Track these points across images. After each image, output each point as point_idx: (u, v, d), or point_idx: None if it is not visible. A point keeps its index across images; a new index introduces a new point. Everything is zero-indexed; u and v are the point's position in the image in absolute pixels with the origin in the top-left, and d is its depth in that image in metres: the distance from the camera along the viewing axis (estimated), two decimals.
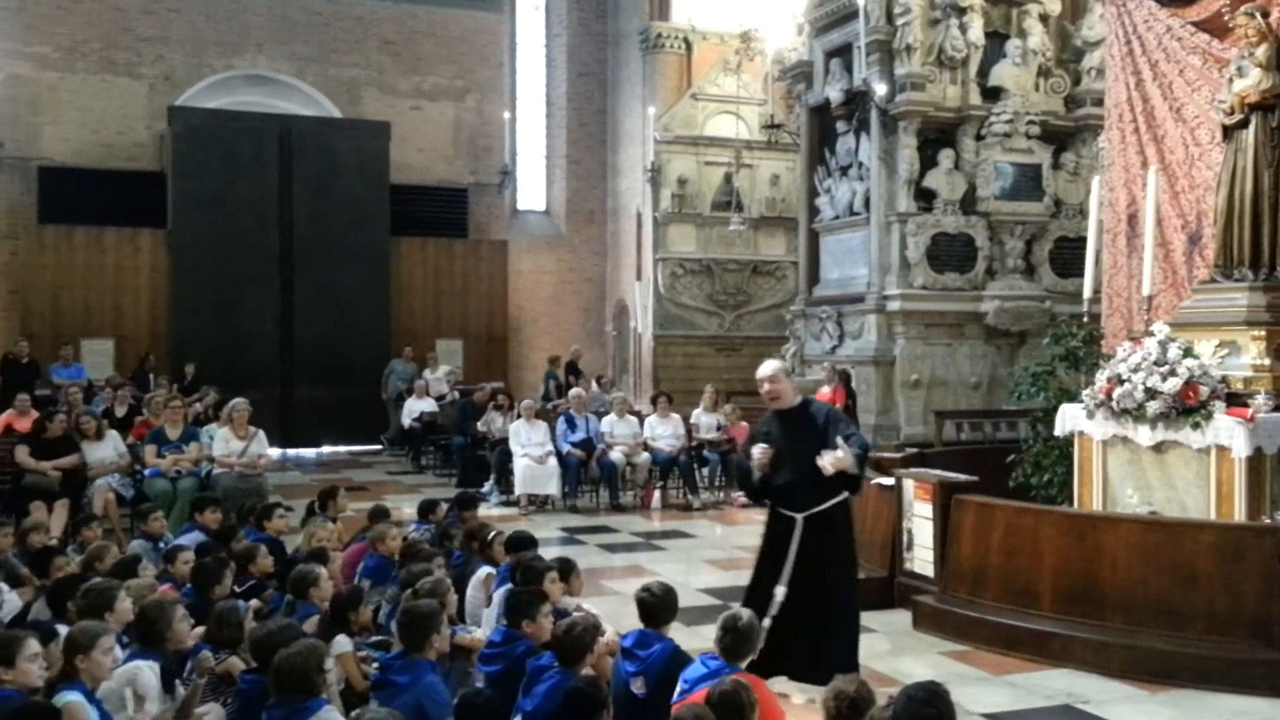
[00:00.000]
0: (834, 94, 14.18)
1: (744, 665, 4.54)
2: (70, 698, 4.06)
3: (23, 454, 9.91)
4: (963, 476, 7.67)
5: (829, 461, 5.57)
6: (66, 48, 18.44)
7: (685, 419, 12.97)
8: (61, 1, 18.37)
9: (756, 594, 5.84)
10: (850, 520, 5.95)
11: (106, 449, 10.14)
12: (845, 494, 5.83)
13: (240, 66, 19.56)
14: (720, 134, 18.94)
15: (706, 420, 13.01)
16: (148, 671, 4.62)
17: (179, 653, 4.93)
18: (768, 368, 5.97)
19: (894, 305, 13.27)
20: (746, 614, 4.61)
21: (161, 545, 7.34)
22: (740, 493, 12.49)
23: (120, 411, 11.89)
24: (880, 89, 13.26)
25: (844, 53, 14.18)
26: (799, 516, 5.71)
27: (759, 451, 5.77)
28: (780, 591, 5.66)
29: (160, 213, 17.69)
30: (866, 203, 13.76)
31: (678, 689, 4.56)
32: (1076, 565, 6.67)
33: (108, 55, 18.68)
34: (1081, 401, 7.71)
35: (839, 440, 5.65)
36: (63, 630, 4.71)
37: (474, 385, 16.12)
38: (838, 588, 5.77)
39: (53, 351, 15.86)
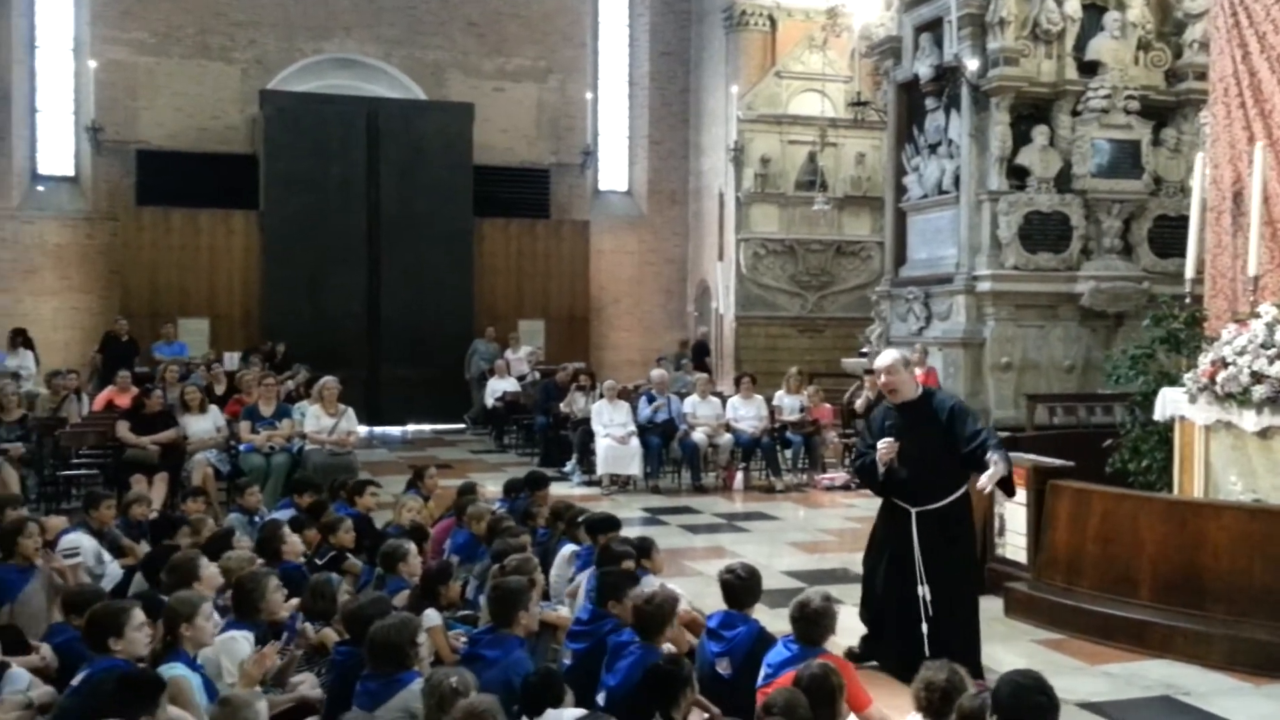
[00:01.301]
0: (923, 70, 13.89)
1: (824, 647, 4.50)
2: (176, 670, 4.16)
3: (123, 429, 10.21)
4: (1058, 461, 7.50)
5: (986, 480, 5.40)
6: (162, 33, 18.89)
7: (768, 400, 12.87)
8: None
9: (887, 590, 5.73)
10: (970, 514, 5.85)
11: (206, 423, 10.40)
12: (963, 490, 5.70)
13: (329, 50, 19.85)
14: (805, 112, 18.70)
15: (789, 402, 12.91)
16: (242, 641, 4.72)
17: (274, 623, 5.04)
18: (886, 358, 5.77)
19: (984, 286, 12.98)
20: (818, 597, 4.57)
21: (257, 519, 7.51)
22: (824, 475, 12.46)
23: (219, 389, 12.15)
24: (972, 64, 12.94)
25: (934, 27, 13.86)
26: (914, 511, 5.59)
27: (885, 447, 5.58)
28: (924, 591, 5.54)
29: (253, 194, 18.08)
30: (956, 181, 13.45)
31: (762, 673, 4.55)
32: (1177, 554, 6.48)
33: (202, 40, 19.09)
34: (1183, 385, 7.46)
35: (991, 458, 5.40)
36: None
37: (555, 365, 16.19)
38: (959, 582, 5.64)
39: (151, 330, 16.31)
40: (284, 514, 7.48)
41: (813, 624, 4.51)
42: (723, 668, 4.80)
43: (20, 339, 14.61)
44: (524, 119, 20.64)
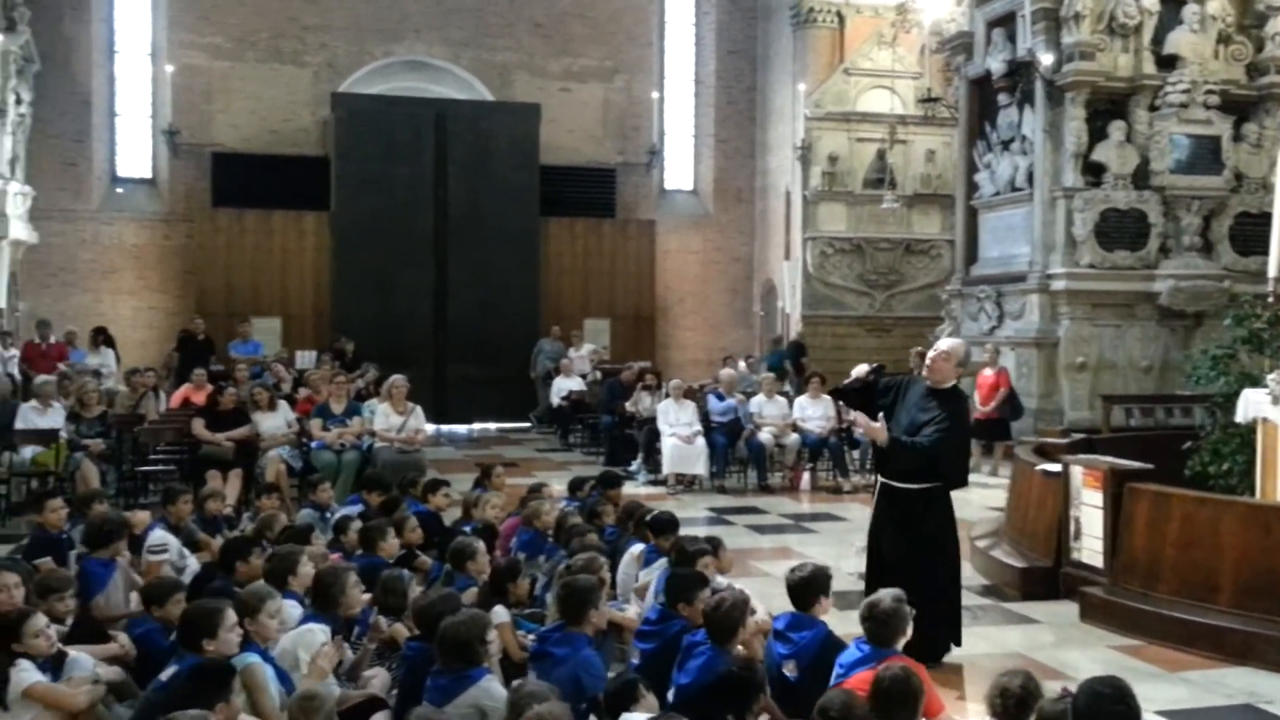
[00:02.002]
0: (995, 65, 13.70)
1: (899, 648, 4.44)
2: (249, 659, 4.23)
3: (199, 426, 10.41)
4: (1136, 464, 7.32)
5: (862, 424, 5.88)
6: (237, 38, 19.27)
7: (790, 400, 12.76)
8: None
9: (878, 568, 5.99)
10: (943, 510, 5.96)
11: (278, 421, 10.58)
12: (935, 484, 5.87)
13: (398, 52, 20.09)
14: (873, 109, 18.52)
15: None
16: (319, 633, 4.78)
17: (349, 618, 5.10)
18: (950, 343, 6.01)
19: (1059, 285, 12.77)
20: (889, 597, 4.51)
21: (328, 515, 7.61)
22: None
23: (288, 387, 12.36)
24: (1046, 59, 12.73)
25: (1007, 22, 13.67)
26: (881, 481, 6.01)
27: (861, 370, 6.08)
28: (859, 541, 6.00)
29: (324, 196, 18.35)
30: (1030, 178, 13.26)
31: (834, 674, 4.49)
32: (1261, 559, 6.29)
33: (275, 44, 19.44)
34: (1266, 387, 7.25)
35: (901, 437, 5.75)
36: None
37: (618, 364, 16.21)
38: (911, 566, 5.76)
39: (226, 329, 16.63)
40: (353, 509, 7.57)
41: (884, 624, 4.44)
42: (789, 670, 4.76)
43: (101, 337, 14.98)
44: (590, 119, 20.71)
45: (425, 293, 18.22)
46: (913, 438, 5.73)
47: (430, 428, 13.09)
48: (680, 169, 22.18)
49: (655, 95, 21.11)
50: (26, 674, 4.21)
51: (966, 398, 6.53)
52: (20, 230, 16.83)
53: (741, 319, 21.72)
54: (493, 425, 17.83)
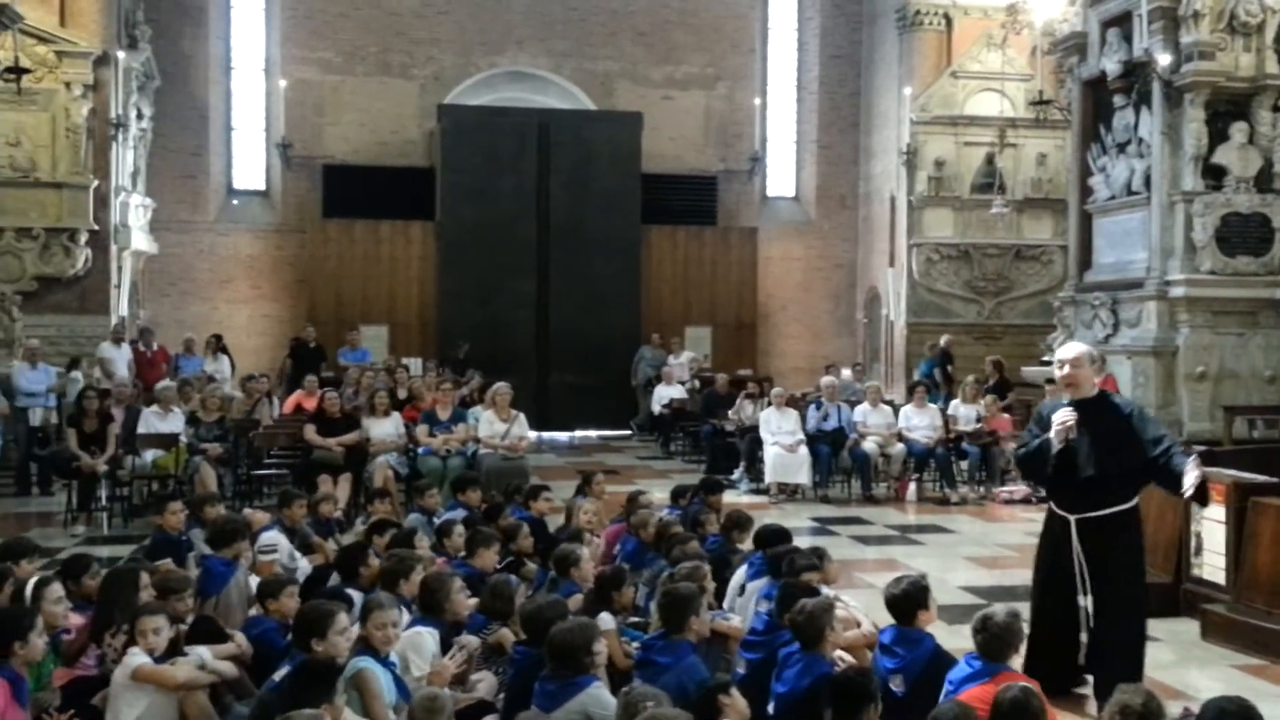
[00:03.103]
0: (1110, 66, 13.29)
1: (1010, 664, 4.35)
2: (362, 664, 4.30)
3: (310, 431, 10.69)
4: (1260, 477, 7.02)
5: (1190, 484, 5.04)
6: (347, 52, 19.76)
7: (942, 410, 12.50)
8: (343, 9, 19.69)
9: (1047, 602, 5.48)
10: (1139, 528, 5.52)
11: (388, 427, 10.79)
12: (1133, 502, 5.36)
13: (502, 64, 20.37)
14: (982, 112, 18.13)
15: (965, 411, 12.50)
16: (428, 637, 4.87)
17: (456, 622, 5.16)
18: (1072, 349, 5.49)
19: (1177, 291, 12.30)
20: (1003, 612, 4.40)
21: (434, 520, 7.71)
22: (1004, 488, 12.00)
23: (401, 394, 12.57)
24: (1164, 59, 12.29)
25: (1122, 21, 13.24)
26: (1073, 519, 5.31)
27: (1063, 416, 5.25)
28: (1086, 602, 5.26)
29: (429, 206, 18.69)
30: (1147, 181, 12.81)
31: (944, 690, 4.41)
32: None
33: (384, 58, 19.88)
34: None
35: (1184, 465, 5.09)
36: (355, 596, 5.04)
37: (718, 372, 16.13)
38: (1123, 594, 5.33)
39: (335, 336, 17.03)
40: (456, 514, 7.67)
41: (996, 639, 4.34)
42: (896, 685, 4.67)
43: (217, 345, 15.46)
44: (692, 126, 20.70)
45: (528, 301, 18.40)
46: (1167, 453, 5.23)
47: (532, 435, 13.20)
48: (782, 176, 22.02)
49: (757, 101, 21.00)
50: (136, 658, 4.37)
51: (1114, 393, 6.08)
52: (141, 241, 17.50)
53: (844, 326, 21.45)
54: (594, 432, 17.91)
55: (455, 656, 4.69)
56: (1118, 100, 13.44)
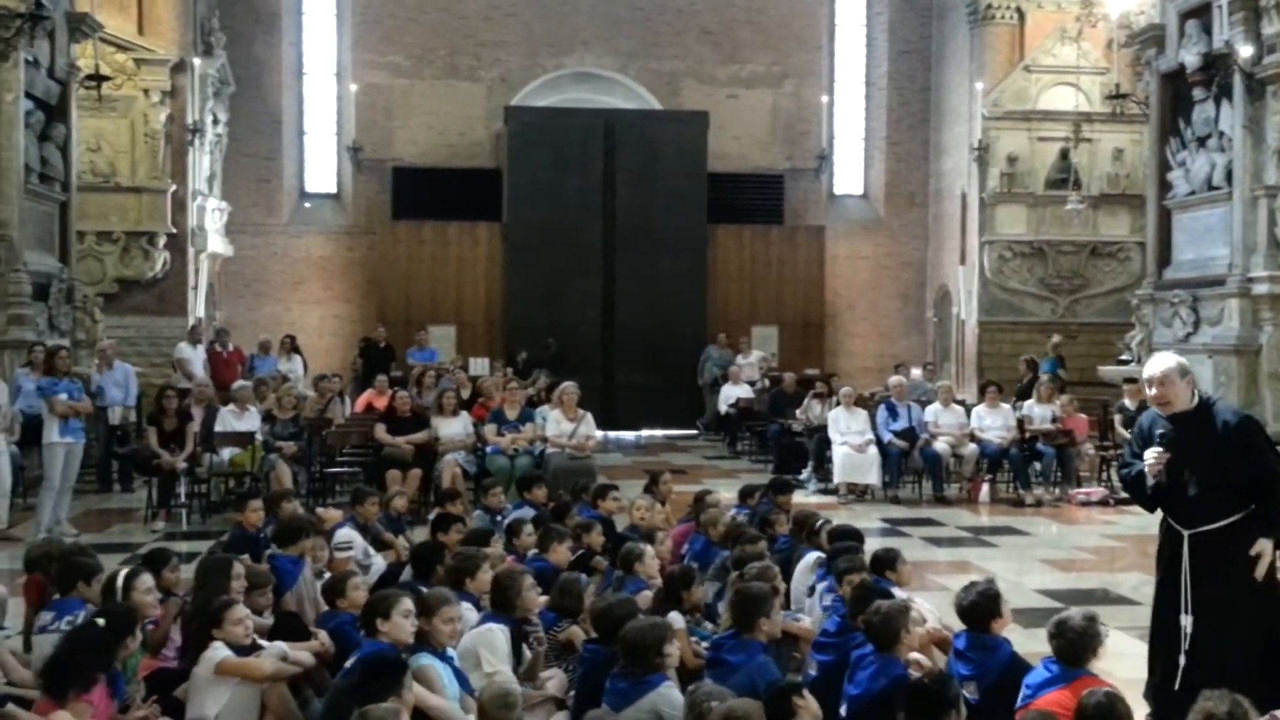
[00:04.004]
0: (1190, 58, 12.97)
1: (1090, 668, 4.24)
2: (422, 660, 4.34)
3: (381, 430, 10.81)
4: None
5: (1260, 571, 4.79)
6: (416, 56, 19.98)
7: (1015, 410, 12.28)
8: (412, 13, 19.91)
9: (1158, 620, 5.27)
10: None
11: (457, 426, 10.88)
12: (1248, 510, 4.96)
13: (569, 65, 20.44)
14: (1056, 107, 17.79)
15: (1040, 412, 12.25)
16: (499, 634, 4.89)
17: (526, 619, 5.18)
18: (1158, 365, 5.07)
19: (1261, 289, 11.95)
20: (1080, 616, 4.31)
21: (499, 519, 7.74)
22: (1080, 490, 11.75)
23: (465, 394, 12.68)
24: (1245, 51, 11.96)
25: (1201, 13, 12.91)
26: (1185, 533, 4.99)
27: (1154, 458, 5.00)
28: (1186, 621, 4.94)
29: (497, 207, 18.82)
30: (1228, 176, 12.48)
31: (1020, 694, 4.32)
32: None
33: (452, 61, 20.06)
34: None
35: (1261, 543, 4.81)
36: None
37: (785, 372, 16.03)
38: (1234, 617, 4.92)
39: (404, 336, 17.22)
40: (525, 513, 7.69)
41: (1073, 644, 4.25)
42: (970, 692, 4.57)
43: (291, 345, 15.72)
44: (758, 125, 20.59)
45: (594, 301, 18.44)
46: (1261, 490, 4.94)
47: (599, 434, 13.22)
48: (850, 173, 21.82)
49: (824, 99, 20.83)
50: (219, 651, 4.46)
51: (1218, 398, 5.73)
52: (217, 244, 17.87)
53: (914, 326, 21.19)
54: (660, 432, 17.89)
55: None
56: (1197, 93, 13.12)
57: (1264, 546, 4.82)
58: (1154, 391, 5.04)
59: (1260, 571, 4.81)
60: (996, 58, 18.35)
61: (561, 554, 6.28)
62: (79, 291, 13.06)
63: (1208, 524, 4.94)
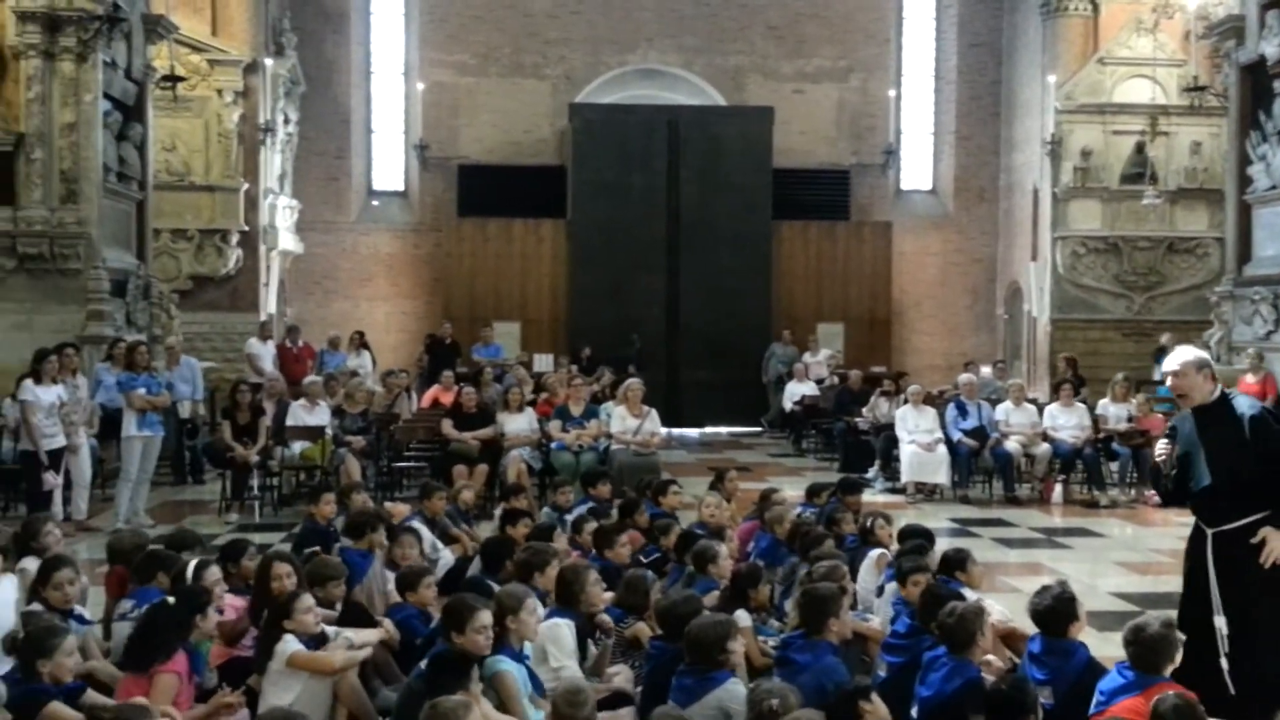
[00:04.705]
0: (1270, 50, 12.63)
1: (1167, 675, 4.12)
2: (500, 666, 4.36)
3: (447, 426, 10.89)
4: None
5: (1265, 555, 4.76)
6: (482, 54, 20.12)
7: (1090, 408, 12.02)
8: (478, 11, 20.06)
9: (1187, 621, 5.16)
10: None
11: (522, 422, 10.93)
12: (1276, 508, 4.89)
13: (633, 62, 20.46)
14: (1131, 100, 17.41)
15: (1115, 411, 11.97)
16: (564, 629, 4.92)
17: (591, 615, 5.18)
18: (1175, 359, 5.14)
19: None
20: (1157, 621, 4.20)
21: (566, 516, 7.75)
22: (1154, 491, 11.47)
23: (527, 390, 12.73)
24: None
25: None
26: (1210, 532, 4.97)
27: (1160, 446, 5.19)
28: (1220, 622, 4.85)
29: (561, 204, 18.88)
30: None
31: (1094, 700, 4.22)
32: None
33: (517, 59, 20.18)
34: None
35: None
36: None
37: (851, 369, 15.86)
38: (1263, 620, 4.83)
39: (470, 333, 17.36)
40: (582, 509, 7.70)
41: (1150, 649, 4.14)
42: (1045, 697, 4.48)
43: (360, 340, 15.92)
44: (824, 120, 20.44)
45: (658, 297, 18.43)
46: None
47: (663, 431, 13.20)
48: (918, 168, 21.57)
49: (892, 93, 20.61)
50: (290, 645, 4.54)
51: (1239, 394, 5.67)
52: (288, 241, 18.16)
53: (983, 323, 20.88)
54: (724, 429, 17.82)
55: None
56: (1278, 85, 12.75)
57: (1268, 533, 4.80)
58: (1170, 383, 5.14)
59: (1267, 557, 4.78)
60: (1070, 50, 18.00)
61: (621, 554, 6.27)
62: (155, 288, 13.33)
63: (1231, 522, 4.91)
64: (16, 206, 11.33)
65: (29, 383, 9.15)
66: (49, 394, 9.18)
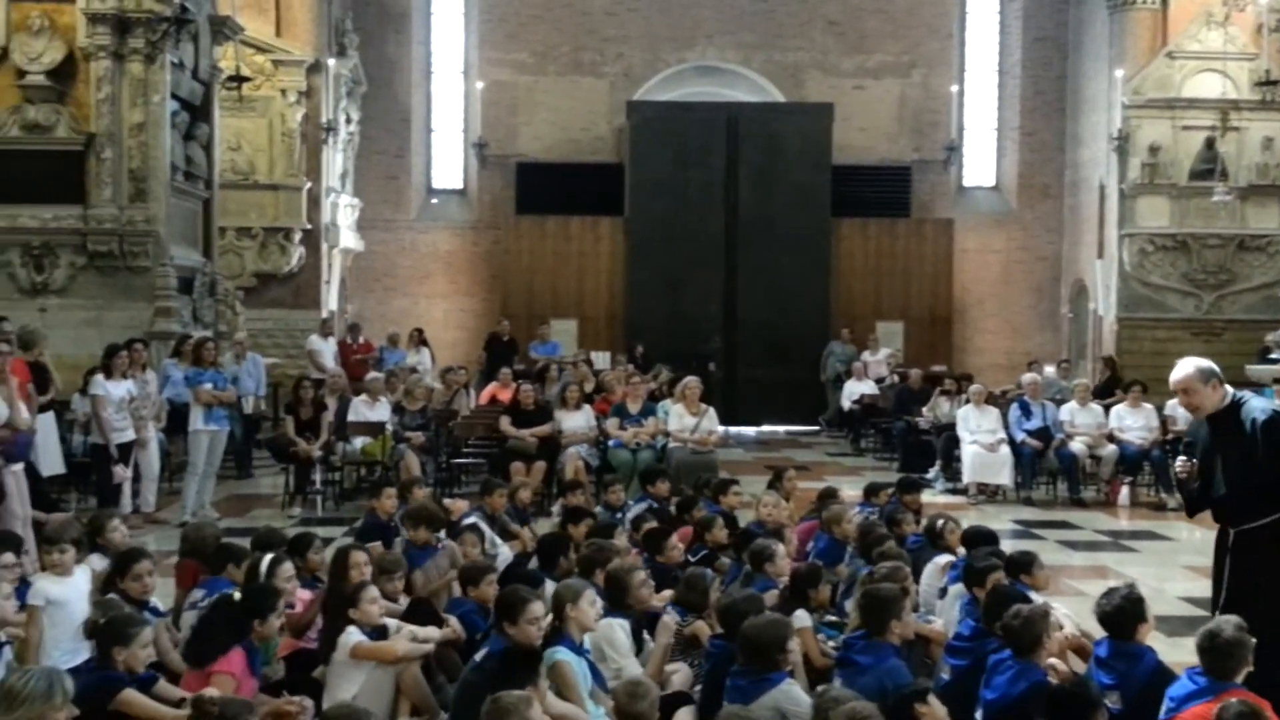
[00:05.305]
0: None
1: (1239, 682, 4.04)
2: (559, 655, 4.39)
3: (505, 423, 10.95)
4: None
5: None
6: (540, 53, 20.19)
7: (1158, 409, 11.77)
8: (537, 10, 20.13)
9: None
10: None
11: (579, 420, 10.95)
12: None
13: (691, 59, 20.40)
14: (1201, 95, 16.99)
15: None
16: (618, 629, 4.95)
17: (645, 613, 5.18)
18: (1179, 371, 5.15)
19: None
20: (1231, 626, 4.11)
21: (618, 515, 7.75)
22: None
23: (589, 387, 12.74)
24: None
25: None
26: (1232, 531, 5.04)
27: (1180, 464, 5.21)
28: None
29: (618, 201, 18.87)
30: None
31: (1164, 707, 4.16)
32: None
33: (575, 57, 20.22)
34: None
35: None
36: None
37: (911, 368, 15.67)
38: (1272, 622, 4.73)
39: (527, 330, 17.43)
40: (642, 507, 7.69)
41: (1224, 655, 4.06)
42: (1112, 701, 4.44)
43: (419, 338, 16.07)
44: (884, 116, 20.23)
45: (715, 295, 18.35)
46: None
47: (720, 429, 13.14)
48: (980, 165, 21.28)
49: (954, 89, 20.35)
50: (353, 636, 4.60)
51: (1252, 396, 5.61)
52: (349, 239, 18.38)
53: (1047, 321, 20.55)
54: (781, 427, 17.72)
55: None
56: None
57: None
58: (1181, 401, 5.26)
59: None
60: (1137, 44, 17.63)
61: (672, 556, 6.25)
62: (221, 285, 13.55)
63: (1249, 521, 4.97)
64: (87, 205, 11.56)
65: (100, 377, 9.35)
66: (119, 389, 9.37)
